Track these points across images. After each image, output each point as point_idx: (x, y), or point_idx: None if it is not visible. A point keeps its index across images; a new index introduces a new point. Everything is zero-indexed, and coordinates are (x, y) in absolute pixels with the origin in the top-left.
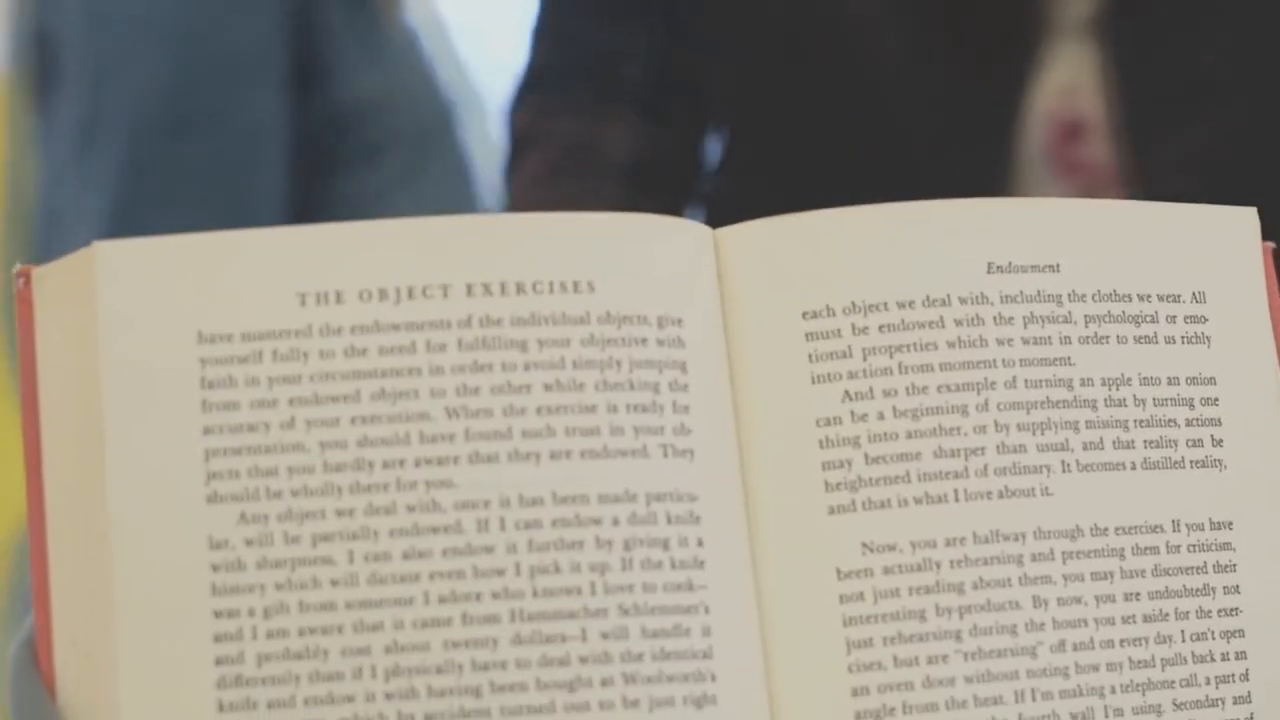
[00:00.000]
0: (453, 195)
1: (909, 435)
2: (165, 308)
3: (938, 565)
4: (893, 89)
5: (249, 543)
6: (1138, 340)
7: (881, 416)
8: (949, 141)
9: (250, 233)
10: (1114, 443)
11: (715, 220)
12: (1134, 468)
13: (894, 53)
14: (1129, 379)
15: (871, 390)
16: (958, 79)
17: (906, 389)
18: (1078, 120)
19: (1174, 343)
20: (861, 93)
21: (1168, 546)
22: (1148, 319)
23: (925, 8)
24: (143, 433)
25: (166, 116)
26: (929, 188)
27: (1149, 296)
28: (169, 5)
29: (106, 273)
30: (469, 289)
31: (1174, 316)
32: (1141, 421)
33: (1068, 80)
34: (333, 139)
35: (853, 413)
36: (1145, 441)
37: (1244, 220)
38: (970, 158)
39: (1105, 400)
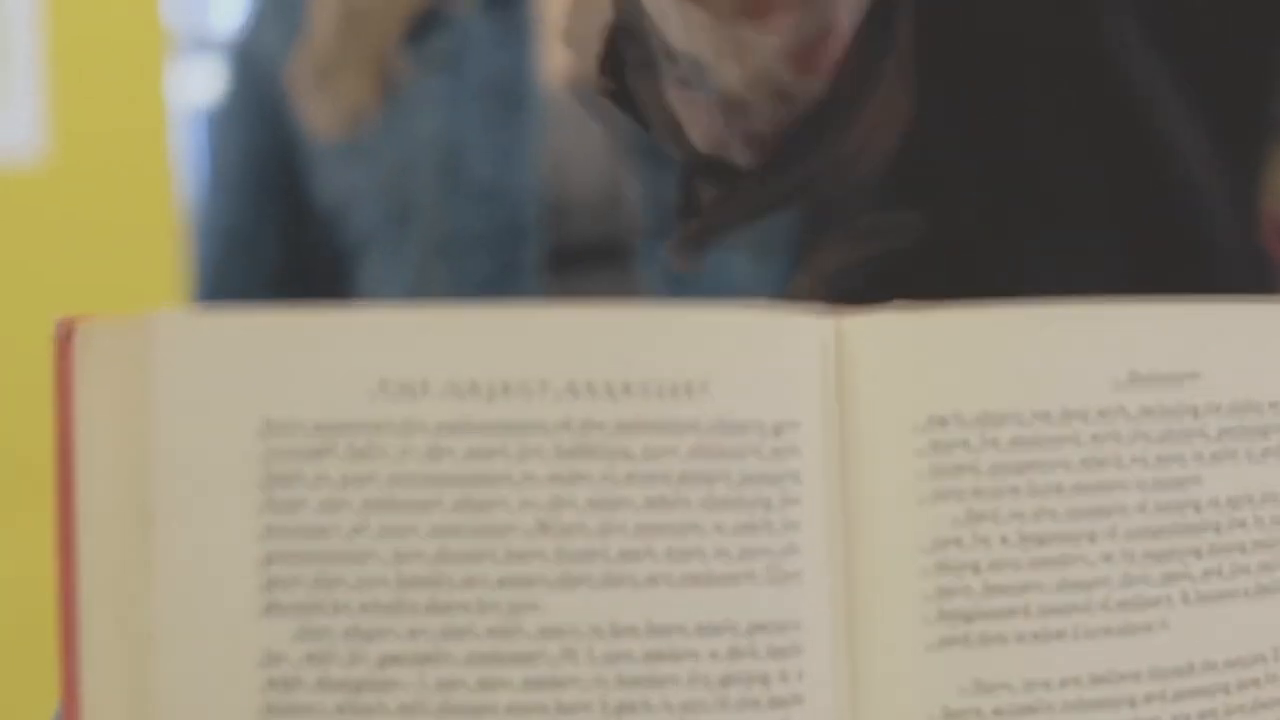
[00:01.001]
0: None
1: (1032, 563)
2: (229, 389)
3: (1050, 707)
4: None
5: (309, 659)
6: (1265, 453)
7: (1005, 541)
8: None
9: (328, 312)
10: (1231, 568)
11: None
12: (1246, 595)
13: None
14: (1251, 497)
15: (997, 511)
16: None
17: (1034, 511)
18: None
19: None
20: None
21: (1267, 677)
22: (1276, 429)
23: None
24: (195, 530)
25: None
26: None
27: (1278, 404)
28: None
29: (166, 345)
30: (570, 387)
31: None
32: (1259, 544)
33: None
34: None
35: (974, 535)
36: (1260, 565)
37: None
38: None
39: (1228, 522)
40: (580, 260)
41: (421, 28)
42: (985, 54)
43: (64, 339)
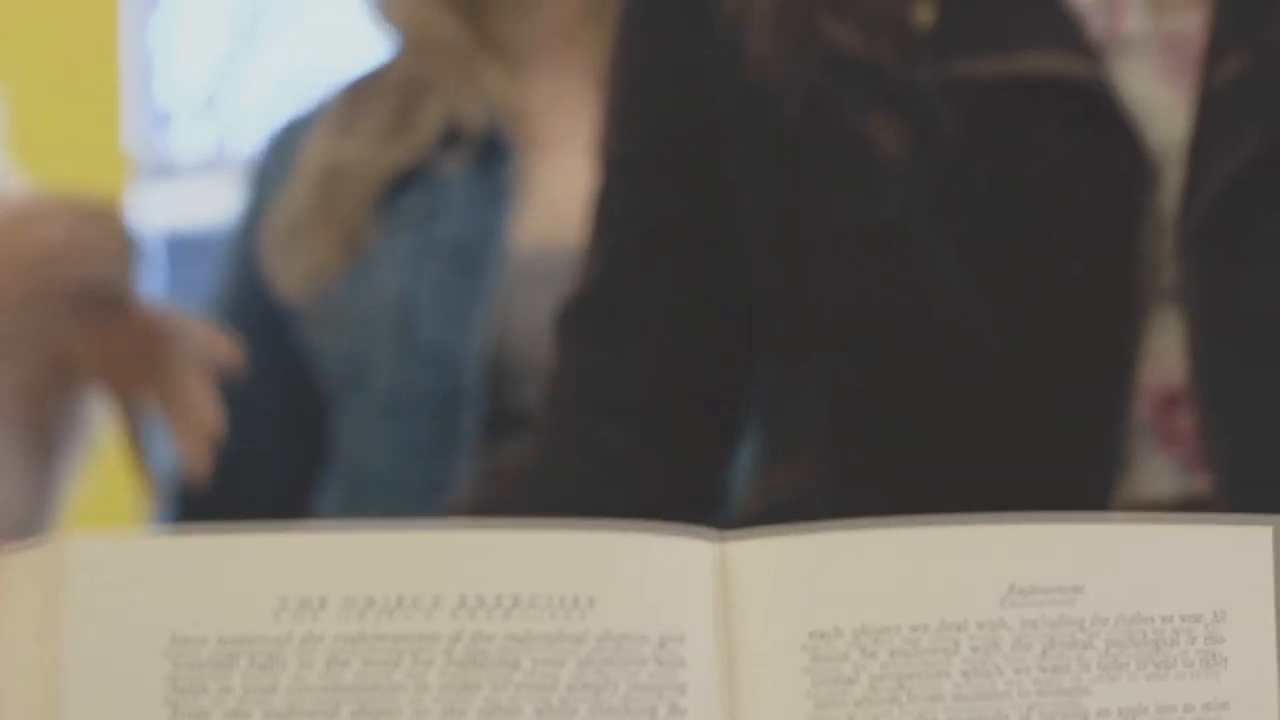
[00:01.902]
0: None
1: None
2: (137, 608)
3: None
4: (993, 376)
5: None
6: (1156, 666)
7: None
8: (1060, 422)
9: (231, 534)
10: None
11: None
12: None
13: (992, 340)
14: (1145, 708)
15: None
16: (1059, 358)
17: None
18: (1177, 389)
19: (1192, 666)
20: (951, 381)
21: None
22: (1168, 642)
23: (1014, 288)
24: None
25: None
26: (1036, 473)
27: (1171, 618)
28: None
29: (76, 566)
30: (462, 602)
31: (1194, 638)
32: None
33: (1165, 348)
34: None
35: None
36: None
37: (1259, 537)
38: (1082, 436)
39: None
40: (524, 427)
41: (400, 186)
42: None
43: None
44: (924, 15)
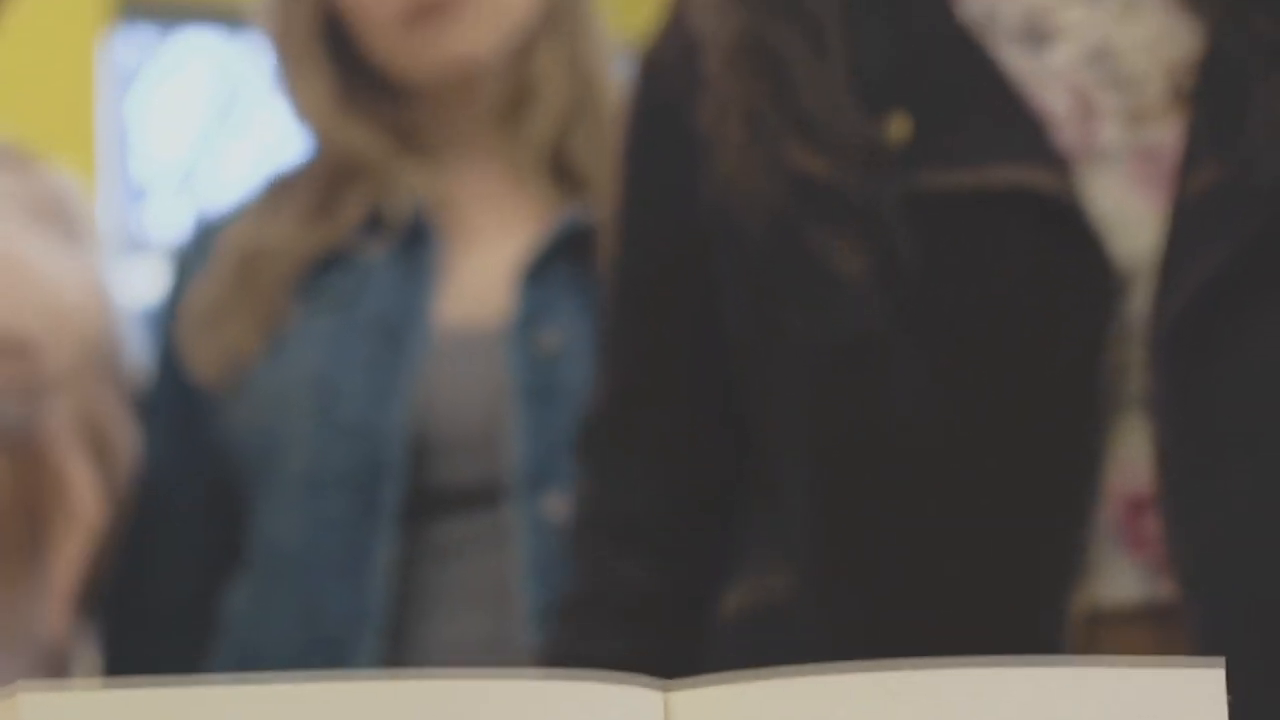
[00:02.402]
0: None
1: None
2: None
3: None
4: (955, 485)
5: None
6: None
7: None
8: (1023, 528)
9: (187, 686)
10: None
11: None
12: None
13: (954, 450)
14: None
15: None
16: (1022, 466)
17: None
18: (1143, 494)
19: None
20: (921, 498)
21: None
22: None
23: (981, 399)
24: None
25: None
26: (1000, 579)
27: None
28: None
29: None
30: None
31: None
32: None
33: (1133, 454)
34: None
35: None
36: None
37: (1212, 679)
38: (1044, 543)
39: None
40: (450, 503)
41: (321, 268)
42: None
43: None
44: (899, 130)
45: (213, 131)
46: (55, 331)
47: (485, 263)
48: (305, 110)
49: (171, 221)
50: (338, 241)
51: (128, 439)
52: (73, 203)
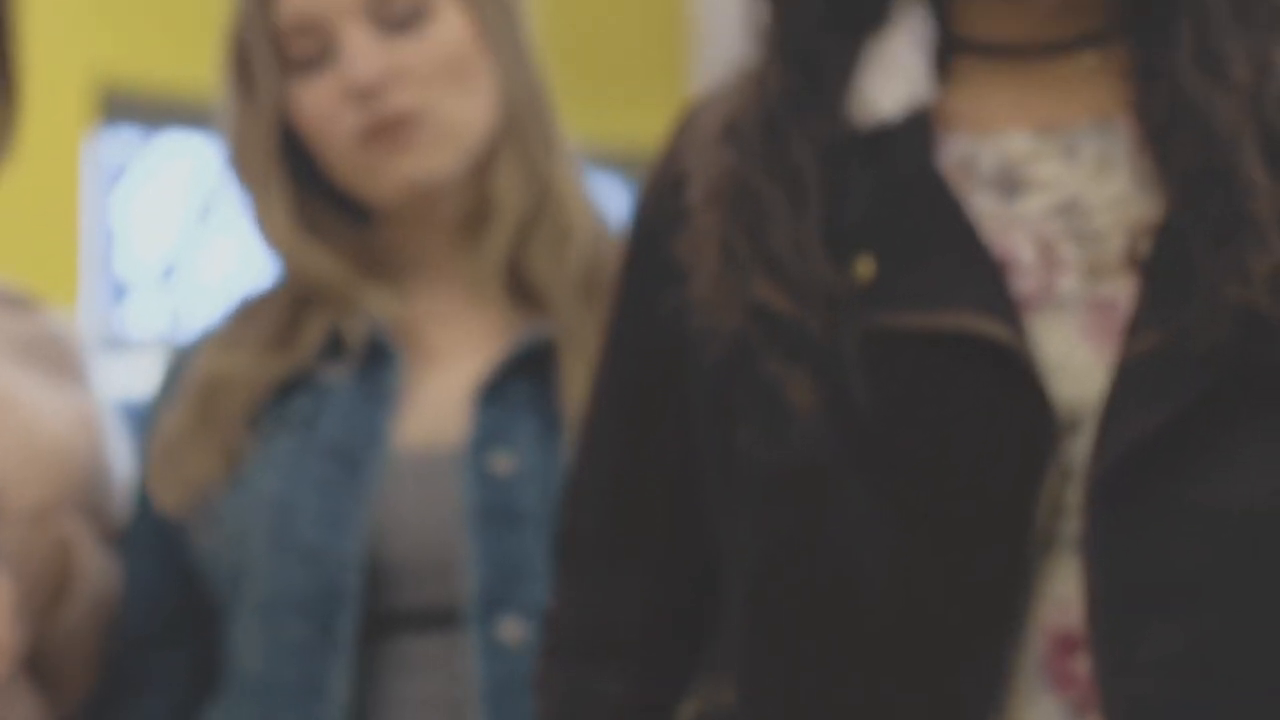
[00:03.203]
0: None
1: None
2: None
3: None
4: (883, 611)
5: None
6: None
7: None
8: (945, 658)
9: None
10: None
11: None
12: None
13: (885, 577)
14: None
15: None
16: (950, 597)
17: None
18: (1073, 633)
19: None
20: (851, 614)
21: None
22: None
23: (919, 531)
24: None
25: None
26: (925, 708)
27: None
28: None
29: None
30: None
31: None
32: None
33: (1064, 593)
34: None
35: None
36: None
37: None
38: (966, 674)
39: None
40: (406, 626)
41: (282, 391)
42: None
43: None
44: (863, 271)
45: (194, 231)
46: (28, 465)
47: (444, 384)
48: (267, 232)
49: (154, 318)
50: (297, 368)
51: (98, 571)
52: (67, 344)
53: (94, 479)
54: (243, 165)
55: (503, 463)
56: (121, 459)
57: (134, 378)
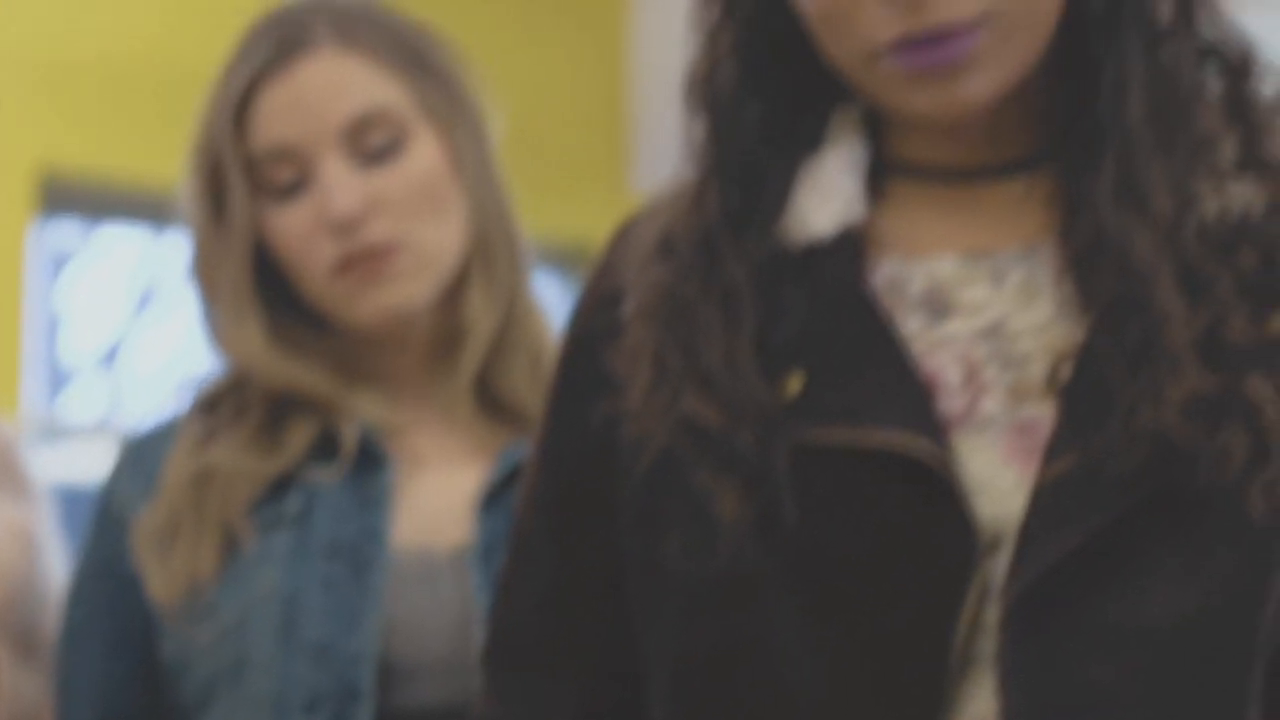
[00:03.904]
0: None
1: None
2: None
3: None
4: None
5: None
6: None
7: None
8: None
9: None
10: None
11: None
12: None
13: (809, 690)
14: None
15: None
16: (873, 712)
17: None
18: None
19: None
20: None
21: None
22: None
23: (839, 645)
24: None
25: None
26: None
27: None
28: None
29: None
30: None
31: None
32: None
33: (982, 711)
34: None
35: None
36: None
37: None
38: None
39: None
40: None
41: (274, 490)
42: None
43: None
44: (794, 386)
45: (134, 319)
46: None
47: (433, 489)
48: (241, 353)
49: (94, 405)
50: (288, 467)
51: (11, 687)
52: (4, 454)
53: (22, 595)
54: (211, 285)
55: None
56: (57, 572)
57: (75, 464)
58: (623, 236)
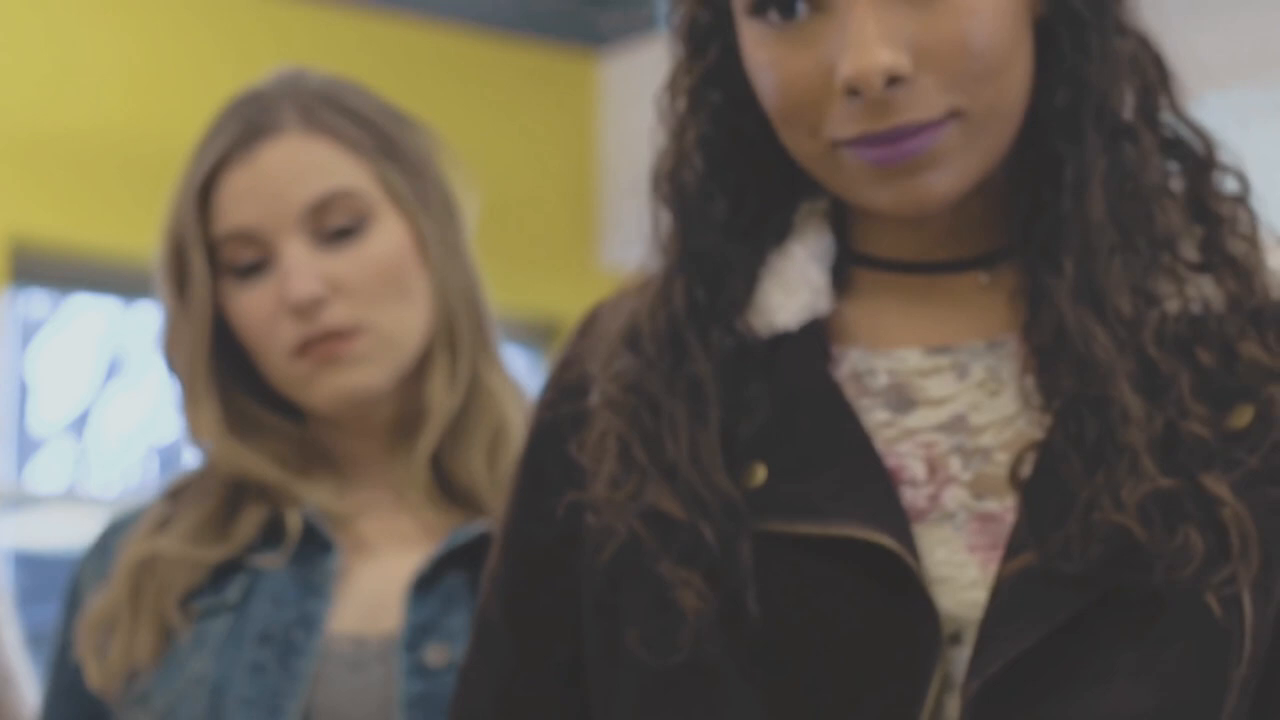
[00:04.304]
0: None
1: None
2: None
3: None
4: None
5: None
6: None
7: None
8: None
9: None
10: None
11: None
12: None
13: None
14: None
15: None
16: None
17: None
18: None
19: None
20: None
21: None
22: None
23: None
24: None
25: None
26: None
27: None
28: None
29: None
30: None
31: None
32: None
33: None
34: None
35: None
36: None
37: None
38: None
39: None
40: None
41: (218, 576)
42: None
43: None
44: (759, 478)
45: (103, 389)
46: None
47: (376, 575)
48: (198, 433)
49: (62, 472)
50: (232, 554)
51: None
52: None
53: None
54: (175, 362)
55: (437, 654)
56: (29, 696)
57: (42, 531)
58: (588, 326)
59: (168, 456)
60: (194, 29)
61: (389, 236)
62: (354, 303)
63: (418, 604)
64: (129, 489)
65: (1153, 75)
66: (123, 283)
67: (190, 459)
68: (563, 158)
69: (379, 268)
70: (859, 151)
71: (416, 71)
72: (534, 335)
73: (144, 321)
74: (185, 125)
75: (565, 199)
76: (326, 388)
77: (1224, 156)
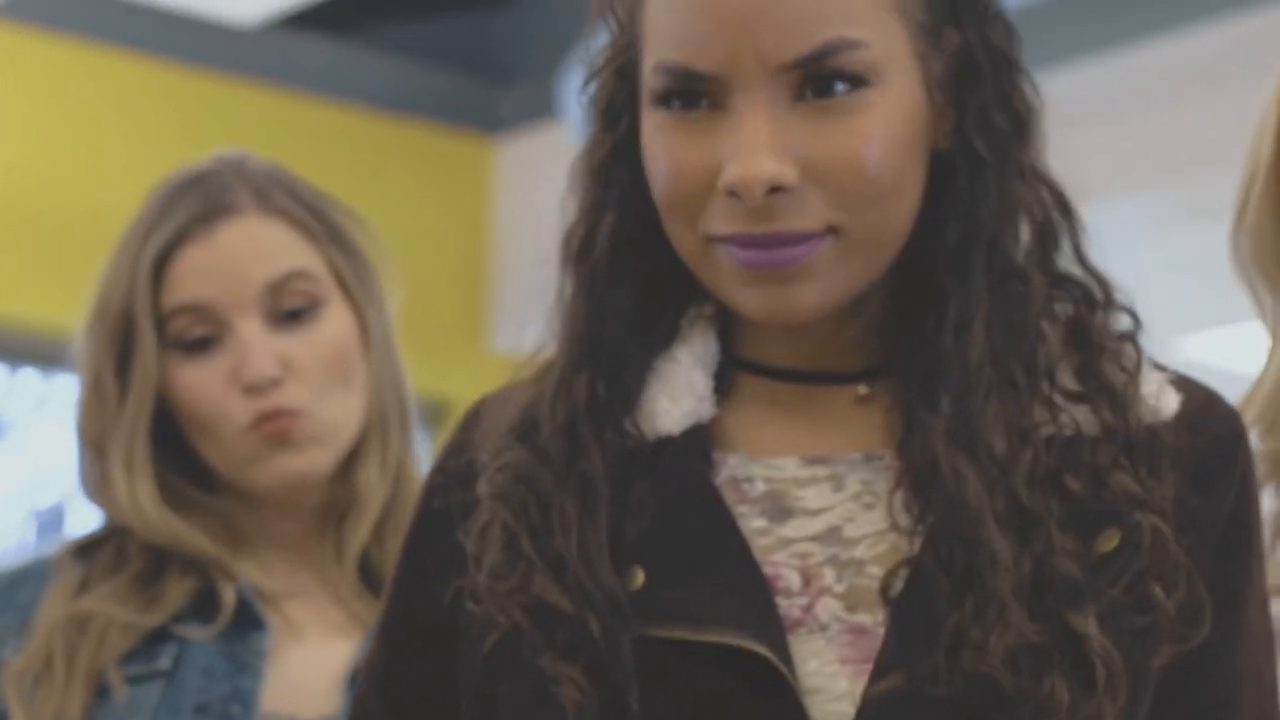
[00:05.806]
0: None
1: None
2: None
3: None
4: None
5: None
6: None
7: None
8: None
9: None
10: None
11: None
12: None
13: None
14: None
15: None
16: None
17: None
18: None
19: None
20: None
21: None
22: None
23: None
24: None
25: None
26: None
27: None
28: None
29: None
30: None
31: None
32: None
33: None
34: None
35: None
36: None
37: None
38: None
39: None
40: None
41: (146, 642)
42: None
43: None
44: (637, 580)
45: None
46: None
47: (306, 660)
48: (125, 510)
49: None
50: (163, 621)
51: None
52: None
53: None
54: (101, 439)
55: None
56: None
57: None
58: (473, 418)
59: (47, 519)
60: (88, 98)
61: (338, 323)
62: (304, 386)
63: (352, 695)
64: (5, 551)
65: (1054, 218)
66: (6, 346)
67: (77, 523)
68: (456, 241)
69: (329, 353)
70: (732, 250)
71: (309, 149)
72: (423, 416)
73: (26, 386)
74: (75, 193)
75: (458, 281)
76: (274, 466)
77: (1117, 296)
